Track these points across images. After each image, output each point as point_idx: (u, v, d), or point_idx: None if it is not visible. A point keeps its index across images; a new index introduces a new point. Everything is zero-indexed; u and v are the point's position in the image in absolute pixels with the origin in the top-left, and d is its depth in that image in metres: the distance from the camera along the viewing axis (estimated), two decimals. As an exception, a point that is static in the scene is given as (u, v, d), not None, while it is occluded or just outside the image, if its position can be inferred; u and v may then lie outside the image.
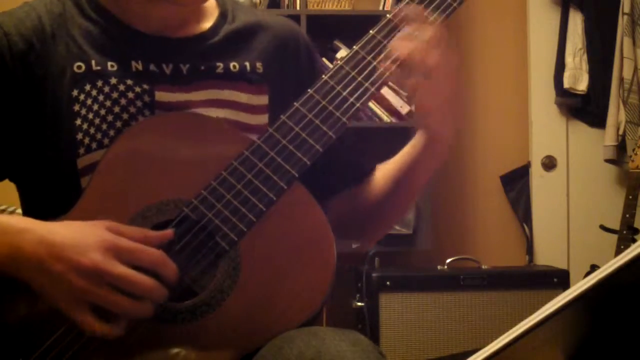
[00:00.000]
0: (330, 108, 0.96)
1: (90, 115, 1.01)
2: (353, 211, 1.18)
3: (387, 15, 1.00)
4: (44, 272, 0.84)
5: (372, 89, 0.97)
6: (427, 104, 1.01)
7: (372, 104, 2.78)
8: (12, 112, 1.01)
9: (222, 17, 1.12)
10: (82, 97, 1.02)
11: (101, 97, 1.02)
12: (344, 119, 0.96)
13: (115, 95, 1.02)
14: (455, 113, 1.04)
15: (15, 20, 1.03)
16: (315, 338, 0.82)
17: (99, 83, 1.02)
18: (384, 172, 1.16)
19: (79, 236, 0.86)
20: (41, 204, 1.06)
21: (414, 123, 1.10)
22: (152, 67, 1.05)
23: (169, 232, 0.91)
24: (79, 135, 1.01)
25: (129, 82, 1.03)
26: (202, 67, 1.07)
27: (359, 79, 0.97)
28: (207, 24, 1.11)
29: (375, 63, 0.98)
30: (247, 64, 1.10)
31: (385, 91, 2.79)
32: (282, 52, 1.14)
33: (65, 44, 1.03)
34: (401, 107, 2.78)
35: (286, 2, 2.85)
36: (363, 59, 0.98)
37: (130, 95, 1.03)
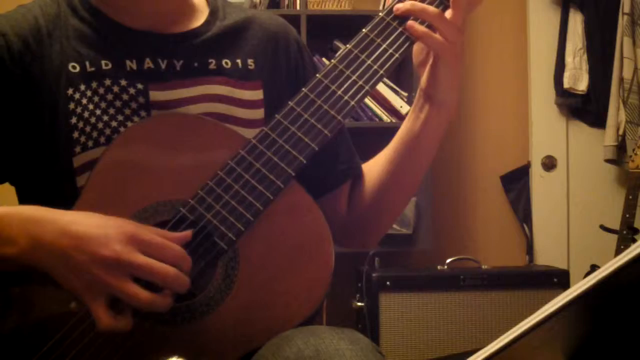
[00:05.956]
0: (325, 107, 0.96)
1: (86, 114, 1.01)
2: (349, 213, 1.16)
3: (380, 14, 1.01)
4: (66, 262, 0.84)
5: (367, 87, 0.97)
6: (444, 77, 1.03)
7: (372, 104, 2.78)
8: (10, 112, 1.01)
9: (213, 14, 1.13)
10: (77, 96, 1.02)
11: (96, 99, 1.02)
12: (339, 118, 0.96)
13: (110, 97, 1.03)
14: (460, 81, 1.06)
15: (12, 21, 1.04)
16: (313, 336, 0.81)
17: (94, 84, 1.03)
18: (380, 162, 1.13)
19: (101, 228, 0.85)
20: (38, 203, 1.06)
21: (419, 97, 1.08)
22: (146, 63, 1.05)
23: (187, 233, 0.90)
24: (75, 134, 1.01)
25: (123, 82, 1.03)
26: (196, 64, 1.07)
27: (354, 77, 0.97)
28: (198, 22, 1.12)
29: (369, 62, 0.98)
30: (239, 61, 1.10)
31: (385, 91, 2.79)
32: (272, 47, 1.14)
33: (60, 44, 1.03)
34: (401, 107, 2.77)
35: (286, 2, 2.84)
36: (357, 58, 0.98)
37: (125, 97, 1.03)
